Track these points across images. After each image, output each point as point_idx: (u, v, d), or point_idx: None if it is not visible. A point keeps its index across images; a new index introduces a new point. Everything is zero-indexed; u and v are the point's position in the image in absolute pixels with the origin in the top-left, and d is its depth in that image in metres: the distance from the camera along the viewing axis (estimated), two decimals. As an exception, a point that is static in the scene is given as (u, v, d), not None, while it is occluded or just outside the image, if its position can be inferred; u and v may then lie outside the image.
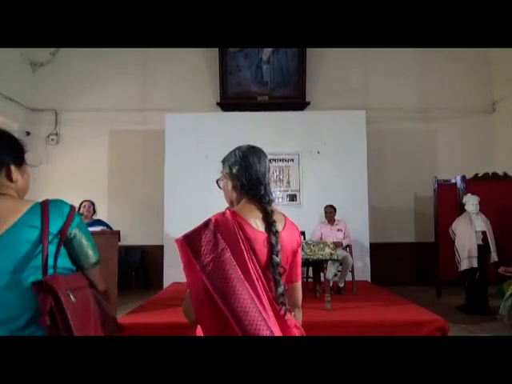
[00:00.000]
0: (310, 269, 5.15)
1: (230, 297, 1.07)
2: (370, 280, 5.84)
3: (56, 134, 7.07)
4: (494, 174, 5.88)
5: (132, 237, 6.58)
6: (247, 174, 1.26)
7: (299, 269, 1.33)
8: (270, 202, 1.26)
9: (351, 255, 4.92)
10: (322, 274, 4.36)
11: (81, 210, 4.43)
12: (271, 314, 1.11)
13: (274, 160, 6.23)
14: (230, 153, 1.36)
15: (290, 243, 1.26)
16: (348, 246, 5.09)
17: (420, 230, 6.91)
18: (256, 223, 1.20)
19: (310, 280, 5.23)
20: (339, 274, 4.77)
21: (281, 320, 1.16)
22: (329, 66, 7.18)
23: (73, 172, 6.81)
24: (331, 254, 3.93)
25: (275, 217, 1.23)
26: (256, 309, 1.07)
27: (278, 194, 6.21)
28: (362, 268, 5.68)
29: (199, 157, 6.13)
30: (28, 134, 6.92)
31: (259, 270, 1.15)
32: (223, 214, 1.19)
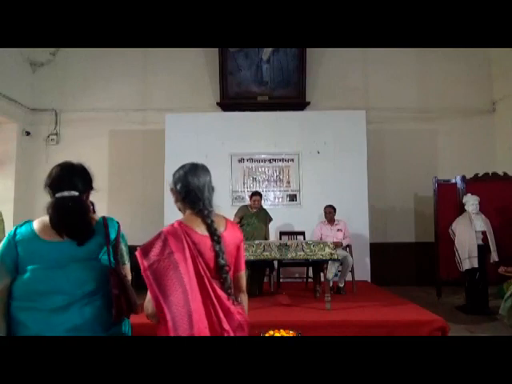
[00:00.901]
0: (310, 269, 5.16)
1: (167, 291, 1.31)
2: (369, 280, 5.84)
3: (56, 134, 7.07)
4: (494, 174, 5.87)
5: (132, 237, 6.54)
6: (187, 191, 1.49)
7: (243, 260, 1.56)
8: (209, 213, 1.47)
9: (351, 255, 4.92)
10: (321, 274, 4.36)
11: None
12: (213, 309, 1.37)
13: (274, 160, 6.23)
14: (176, 171, 1.58)
15: (232, 240, 1.50)
16: (348, 245, 5.09)
17: (420, 230, 6.91)
18: (201, 229, 1.44)
19: (310, 280, 5.24)
20: (339, 273, 4.77)
21: (228, 307, 1.40)
22: (329, 66, 7.18)
23: (73, 172, 6.81)
24: (331, 254, 3.93)
25: (216, 221, 1.47)
26: (187, 308, 1.31)
27: (277, 193, 6.21)
28: (361, 268, 5.68)
29: (199, 157, 6.05)
30: (28, 133, 6.92)
31: (205, 269, 1.39)
32: (172, 225, 1.43)
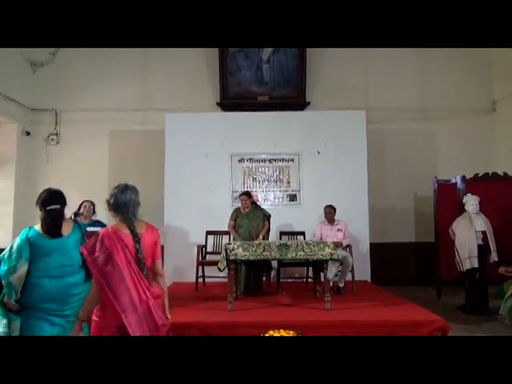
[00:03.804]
0: (310, 269, 5.15)
1: (108, 277, 1.92)
2: (369, 280, 5.83)
3: (56, 134, 7.06)
4: (494, 174, 5.87)
5: (132, 237, 6.57)
6: (117, 204, 2.12)
7: (158, 252, 2.18)
8: (132, 221, 2.08)
9: (351, 255, 4.92)
10: (321, 274, 4.36)
11: (81, 210, 4.41)
12: (139, 284, 1.96)
13: (274, 160, 6.22)
14: (112, 189, 2.21)
15: (150, 238, 2.14)
16: (348, 245, 5.09)
17: (420, 229, 6.91)
18: (126, 231, 2.06)
19: (310, 280, 5.24)
20: (339, 273, 4.77)
21: (147, 284, 2.01)
22: (329, 66, 7.17)
23: (73, 172, 6.80)
24: (331, 254, 3.93)
25: (138, 226, 2.10)
26: (124, 284, 1.92)
27: (278, 193, 6.21)
28: (361, 268, 5.67)
29: (199, 157, 6.13)
30: (28, 133, 6.92)
31: (131, 257, 2.00)
32: (107, 229, 2.07)
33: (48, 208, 2.35)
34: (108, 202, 2.16)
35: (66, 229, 2.40)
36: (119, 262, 1.92)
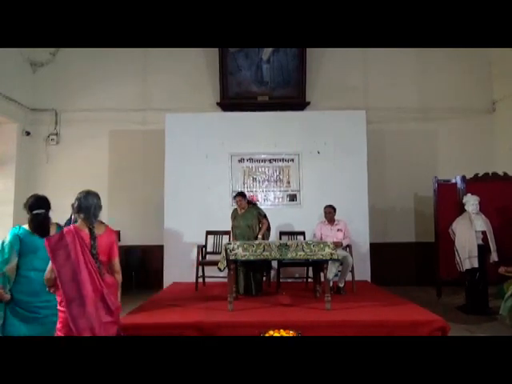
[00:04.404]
0: (310, 269, 5.15)
1: (63, 271, 2.20)
2: (369, 280, 5.83)
3: (56, 134, 7.06)
4: (494, 174, 5.87)
5: (132, 237, 6.57)
6: (80, 208, 2.37)
7: (115, 251, 2.43)
8: (92, 222, 2.35)
9: (351, 255, 4.91)
10: (321, 274, 4.36)
11: None
12: (95, 275, 2.24)
13: (274, 160, 6.22)
14: (78, 194, 2.42)
15: (107, 239, 2.40)
16: (348, 245, 5.09)
17: (420, 229, 6.91)
18: (86, 231, 2.33)
19: (310, 280, 5.24)
20: (339, 273, 4.76)
21: (101, 275, 2.28)
22: (329, 66, 7.18)
23: (73, 172, 6.80)
24: (331, 254, 3.93)
25: (97, 227, 2.37)
26: (76, 279, 2.20)
27: (278, 193, 6.21)
28: (361, 268, 5.67)
29: (199, 157, 6.13)
30: (28, 133, 6.92)
31: (87, 253, 2.26)
32: (69, 228, 2.33)
33: (34, 212, 2.67)
34: (72, 205, 2.48)
35: (51, 231, 2.69)
36: (76, 255, 2.23)
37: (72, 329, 2.12)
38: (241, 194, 5.04)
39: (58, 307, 2.26)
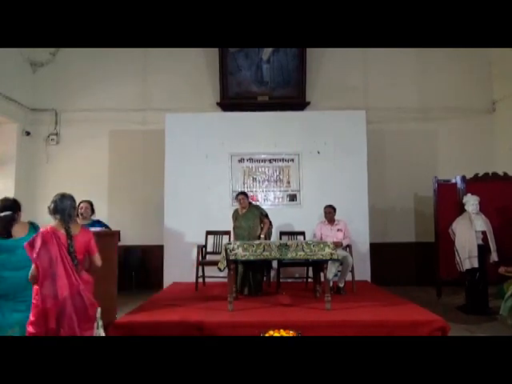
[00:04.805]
0: (310, 269, 5.15)
1: (43, 265, 2.36)
2: (369, 280, 5.83)
3: (56, 134, 7.06)
4: (494, 174, 5.87)
5: (132, 237, 6.57)
6: (56, 209, 2.54)
7: (93, 248, 2.61)
8: (68, 223, 2.51)
9: (351, 255, 4.92)
10: (321, 274, 4.36)
11: (79, 212, 4.37)
12: (71, 272, 2.41)
13: (274, 160, 6.22)
14: (53, 197, 2.58)
15: (82, 239, 2.55)
16: (348, 245, 5.09)
17: (420, 229, 6.90)
18: (62, 231, 2.48)
19: (310, 280, 5.24)
20: (339, 274, 4.76)
21: (77, 272, 2.44)
22: (329, 66, 7.18)
23: (73, 172, 6.80)
24: (331, 254, 3.93)
25: (72, 227, 2.53)
26: (53, 276, 2.36)
27: (278, 193, 6.21)
28: (361, 268, 5.67)
29: (199, 157, 6.13)
30: (28, 133, 6.92)
31: (64, 252, 2.42)
32: (46, 228, 2.47)
33: (1, 214, 2.74)
34: (49, 207, 2.60)
35: (22, 231, 2.74)
36: (54, 254, 2.38)
37: (39, 305, 2.31)
38: (243, 193, 5.05)
39: (33, 300, 2.37)
